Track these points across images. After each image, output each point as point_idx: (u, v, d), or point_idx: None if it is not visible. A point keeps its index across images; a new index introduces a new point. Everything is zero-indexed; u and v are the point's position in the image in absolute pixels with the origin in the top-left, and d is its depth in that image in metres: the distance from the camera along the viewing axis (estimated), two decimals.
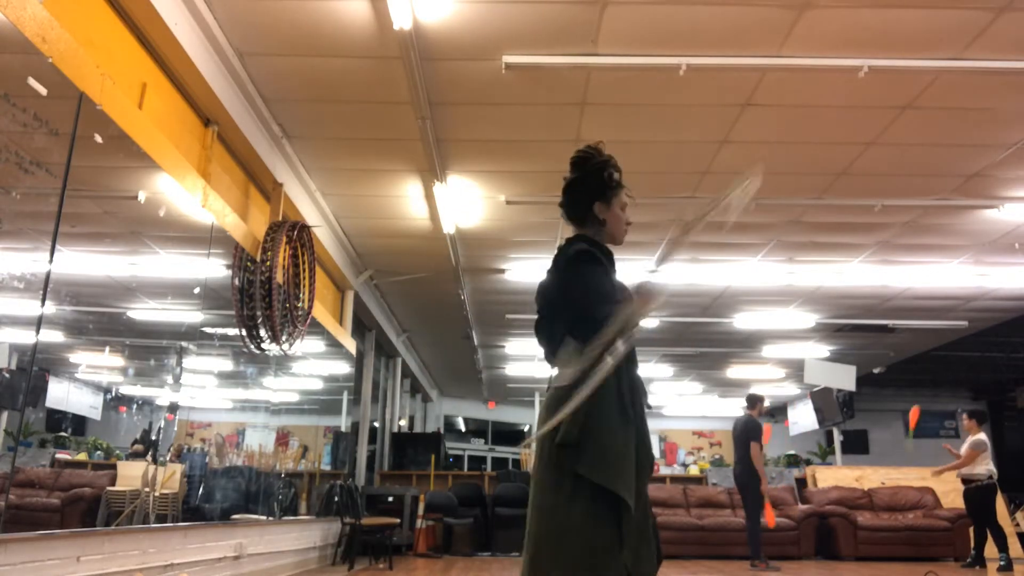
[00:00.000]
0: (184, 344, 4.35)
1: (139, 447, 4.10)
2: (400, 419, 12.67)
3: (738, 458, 7.36)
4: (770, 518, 7.05)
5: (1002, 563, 6.96)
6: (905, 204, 6.34)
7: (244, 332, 4.84)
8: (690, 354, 12.44)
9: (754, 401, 7.50)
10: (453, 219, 6.71)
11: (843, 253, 7.61)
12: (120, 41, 3.56)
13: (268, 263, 4.90)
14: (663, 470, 14.63)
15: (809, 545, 8.54)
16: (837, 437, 11.93)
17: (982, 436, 7.43)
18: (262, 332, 4.92)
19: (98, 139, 3.21)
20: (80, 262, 3.37)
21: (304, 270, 5.46)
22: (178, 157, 3.90)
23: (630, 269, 8.03)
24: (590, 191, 2.09)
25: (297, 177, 5.86)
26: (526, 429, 18.03)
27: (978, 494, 7.25)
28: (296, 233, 5.29)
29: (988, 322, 9.94)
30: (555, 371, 1.99)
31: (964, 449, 7.40)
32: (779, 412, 16.99)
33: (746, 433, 7.26)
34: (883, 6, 3.93)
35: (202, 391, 5.05)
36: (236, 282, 4.78)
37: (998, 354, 12.03)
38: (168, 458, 4.25)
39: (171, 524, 4.07)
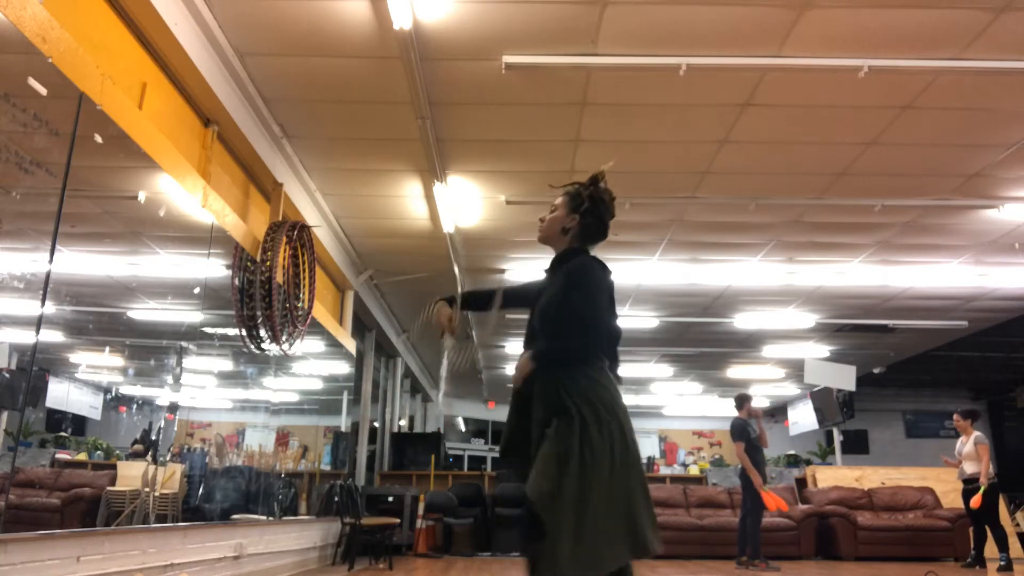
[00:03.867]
0: (184, 344, 4.35)
1: (139, 447, 4.10)
2: (400, 419, 12.66)
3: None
4: (770, 504, 7.02)
5: (1002, 563, 6.95)
6: (905, 204, 6.34)
7: (244, 332, 4.84)
8: (690, 354, 12.43)
9: (739, 402, 7.56)
10: (453, 219, 6.71)
11: (843, 253, 7.61)
12: (120, 41, 3.56)
13: (268, 263, 4.90)
14: (663, 470, 14.62)
15: (809, 545, 8.54)
16: (837, 437, 11.92)
17: (980, 434, 7.44)
18: (262, 332, 4.92)
19: (98, 139, 3.20)
20: (80, 262, 3.37)
21: (304, 270, 5.46)
22: (178, 157, 3.90)
23: (629, 268, 8.09)
24: None
25: (297, 177, 5.86)
26: None
27: (988, 493, 7.23)
28: (296, 233, 5.28)
29: (988, 322, 9.94)
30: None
31: (968, 449, 7.36)
32: (779, 412, 16.99)
33: (731, 435, 7.40)
34: (883, 6, 3.93)
35: (202, 391, 5.04)
36: (236, 282, 4.78)
37: (998, 354, 12.03)
38: (168, 458, 4.25)
39: (171, 524, 4.07)
